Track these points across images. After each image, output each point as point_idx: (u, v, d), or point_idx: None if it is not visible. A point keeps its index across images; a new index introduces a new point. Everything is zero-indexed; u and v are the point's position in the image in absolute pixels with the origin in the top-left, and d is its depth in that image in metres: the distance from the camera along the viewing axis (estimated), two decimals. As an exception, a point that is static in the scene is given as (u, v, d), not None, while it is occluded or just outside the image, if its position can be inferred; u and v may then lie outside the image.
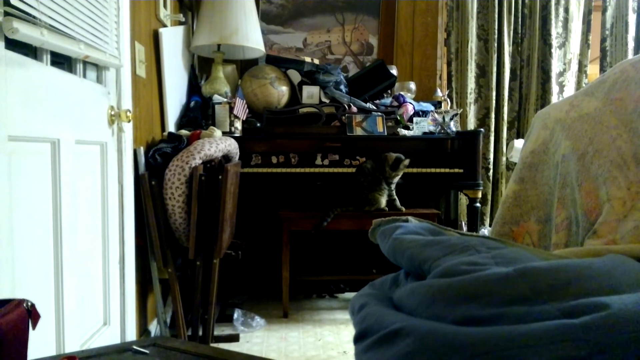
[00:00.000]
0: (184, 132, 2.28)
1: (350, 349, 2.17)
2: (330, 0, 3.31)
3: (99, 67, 1.65)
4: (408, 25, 3.37)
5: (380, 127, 2.70)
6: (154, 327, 2.17)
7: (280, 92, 2.87)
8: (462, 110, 3.26)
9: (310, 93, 2.90)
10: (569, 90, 3.43)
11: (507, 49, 3.34)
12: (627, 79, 1.02)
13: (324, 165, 2.63)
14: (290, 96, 2.94)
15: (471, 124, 3.35)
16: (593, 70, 3.84)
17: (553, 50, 3.36)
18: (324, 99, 2.89)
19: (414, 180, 2.63)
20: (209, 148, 2.00)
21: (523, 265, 0.61)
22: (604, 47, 3.45)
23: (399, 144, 2.69)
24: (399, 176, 2.47)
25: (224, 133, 2.48)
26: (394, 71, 3.11)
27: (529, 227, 1.11)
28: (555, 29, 3.37)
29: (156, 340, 0.95)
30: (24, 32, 1.07)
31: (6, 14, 1.05)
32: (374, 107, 2.86)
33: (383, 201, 2.47)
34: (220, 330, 2.34)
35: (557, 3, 3.37)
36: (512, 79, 3.40)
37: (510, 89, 3.40)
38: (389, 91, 3.12)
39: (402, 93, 3.03)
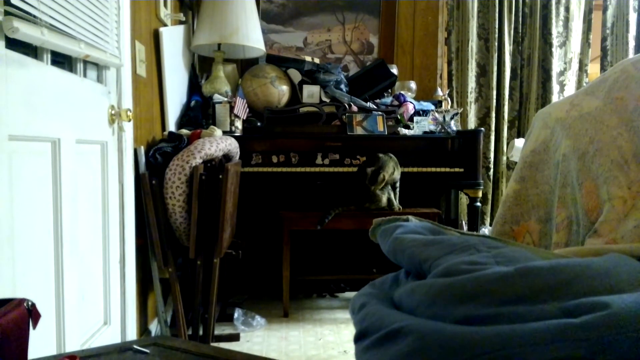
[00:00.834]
0: (184, 131, 2.28)
1: (351, 348, 2.17)
2: (331, -1, 3.31)
3: (99, 67, 1.65)
4: (408, 24, 3.36)
5: (381, 127, 2.70)
6: (154, 327, 2.17)
7: (281, 92, 2.87)
8: (462, 109, 3.26)
9: (311, 92, 2.90)
10: (570, 89, 3.43)
11: (508, 48, 3.34)
12: (627, 78, 1.02)
13: (325, 164, 2.63)
14: (291, 95, 2.94)
15: (472, 123, 3.35)
16: (594, 69, 3.84)
17: (554, 49, 3.35)
18: (324, 99, 2.89)
19: (415, 179, 2.63)
20: (209, 147, 2.00)
21: (524, 265, 0.61)
22: (605, 46, 3.44)
23: (400, 144, 2.69)
24: (383, 185, 2.44)
25: (225, 132, 2.48)
26: (395, 70, 3.11)
27: (530, 226, 1.11)
28: (556, 28, 3.37)
29: (157, 340, 0.95)
30: (25, 31, 1.07)
31: (6, 13, 1.05)
32: (375, 107, 2.86)
33: (384, 199, 2.47)
34: (220, 330, 2.34)
35: (558, 2, 3.36)
36: (512, 78, 3.40)
37: (511, 88, 3.40)
38: (390, 90, 3.12)
39: (402, 92, 3.03)
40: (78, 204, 1.42)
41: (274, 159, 2.62)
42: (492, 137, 3.35)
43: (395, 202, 2.50)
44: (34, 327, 0.79)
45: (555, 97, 3.39)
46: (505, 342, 0.51)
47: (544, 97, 3.40)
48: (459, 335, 0.54)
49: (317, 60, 3.12)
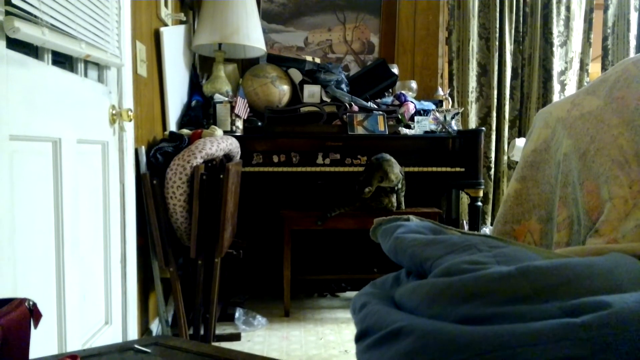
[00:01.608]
0: (185, 131, 2.28)
1: (352, 347, 2.17)
2: (331, -1, 3.31)
3: (100, 67, 1.65)
4: (409, 24, 3.36)
5: (382, 126, 2.70)
6: (155, 326, 2.18)
7: (282, 91, 2.87)
8: (463, 109, 3.25)
9: (312, 92, 2.90)
10: (571, 88, 3.43)
11: (509, 47, 3.33)
12: (628, 78, 1.01)
13: (325, 164, 2.63)
14: (292, 95, 2.93)
15: (472, 123, 3.34)
16: (595, 68, 3.83)
17: (554, 48, 3.35)
18: (325, 98, 2.89)
19: (416, 179, 2.62)
20: (210, 147, 2.00)
21: (524, 264, 0.61)
22: (606, 45, 3.44)
23: (400, 143, 2.69)
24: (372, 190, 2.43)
25: (225, 132, 2.48)
26: (395, 70, 3.11)
27: (531, 225, 1.11)
28: (557, 28, 3.37)
29: (158, 339, 0.95)
30: (26, 31, 1.07)
31: (7, 13, 1.05)
32: (375, 106, 2.86)
33: (386, 201, 2.46)
34: (221, 329, 2.34)
35: (559, 1, 3.36)
36: (513, 78, 3.40)
37: (512, 88, 3.39)
38: (390, 90, 3.12)
39: (403, 92, 3.02)
40: (79, 204, 1.42)
41: (275, 159, 2.62)
42: (493, 137, 3.35)
43: (394, 203, 2.49)
44: (35, 327, 0.79)
45: (556, 97, 3.39)
46: (506, 342, 0.51)
47: (545, 97, 3.39)
48: (459, 335, 0.54)
49: (317, 60, 3.11)
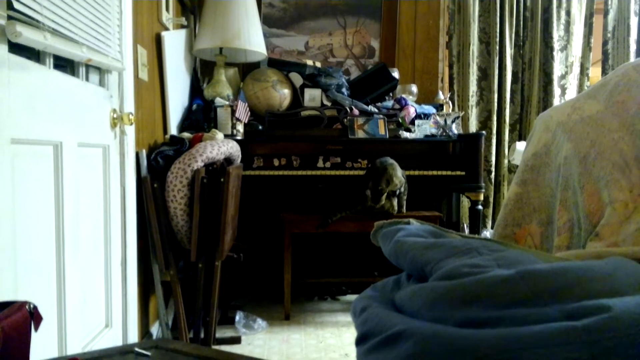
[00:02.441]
0: (186, 134, 2.28)
1: (352, 351, 2.17)
2: (332, 3, 3.32)
3: (101, 71, 1.66)
4: (410, 28, 3.37)
5: (382, 130, 2.71)
6: (155, 330, 2.17)
7: (282, 95, 2.87)
8: (463, 112, 3.26)
9: (312, 96, 2.90)
10: (571, 93, 3.43)
11: (509, 51, 3.34)
12: (629, 82, 1.02)
13: (326, 167, 2.63)
14: (292, 99, 2.94)
15: (473, 127, 3.35)
16: (595, 73, 3.84)
17: (555, 53, 3.36)
18: (325, 102, 2.89)
19: (416, 182, 2.62)
20: (210, 151, 2.01)
21: (525, 268, 0.61)
22: (606, 49, 3.45)
23: (401, 147, 2.69)
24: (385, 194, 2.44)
25: (226, 136, 2.49)
26: (396, 74, 3.11)
27: (531, 229, 1.11)
28: (557, 32, 3.38)
29: (158, 343, 0.95)
30: (27, 35, 1.07)
31: (9, 17, 1.05)
32: (376, 110, 2.87)
33: (388, 204, 2.46)
34: (222, 333, 2.34)
35: (559, 6, 3.37)
36: (513, 82, 3.40)
37: (512, 92, 3.40)
38: (391, 94, 3.13)
39: (403, 96, 3.03)
40: (80, 207, 1.42)
41: (276, 162, 2.62)
42: (494, 140, 3.35)
43: (395, 207, 2.48)
44: (36, 330, 0.79)
45: (556, 101, 3.39)
46: (507, 345, 0.51)
47: (545, 101, 3.40)
48: (460, 339, 0.54)
49: (318, 64, 3.12)
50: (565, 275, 0.59)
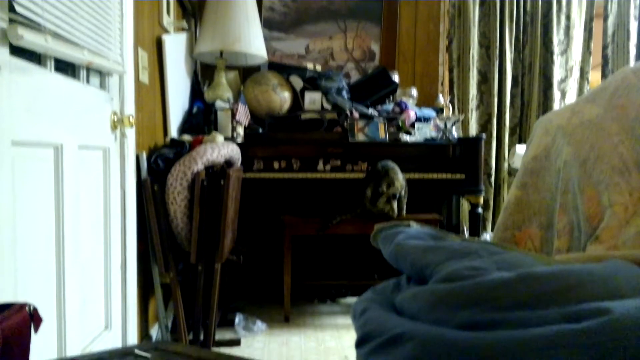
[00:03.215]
0: (186, 137, 2.28)
1: (352, 353, 2.16)
2: (333, 7, 3.33)
3: (102, 74, 1.66)
4: (410, 32, 3.38)
5: (382, 133, 2.71)
6: (155, 332, 2.17)
7: (283, 98, 2.88)
8: (463, 116, 3.26)
9: (313, 99, 2.91)
10: (571, 97, 3.44)
11: (509, 55, 3.35)
12: (628, 86, 1.02)
13: (326, 170, 2.63)
14: (293, 102, 2.95)
15: (473, 130, 3.35)
16: (594, 77, 3.84)
17: (555, 57, 3.36)
18: (326, 105, 2.90)
19: (416, 185, 2.63)
20: (211, 153, 2.01)
21: (525, 271, 0.61)
22: (606, 54, 3.45)
23: (401, 150, 2.70)
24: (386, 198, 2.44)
25: (226, 138, 2.49)
26: (396, 77, 3.12)
27: (531, 232, 1.11)
28: (557, 36, 3.38)
29: (158, 345, 0.95)
30: (29, 38, 1.08)
31: (11, 20, 1.06)
32: (376, 113, 2.87)
33: (387, 208, 2.46)
34: (221, 335, 2.33)
35: (559, 10, 3.38)
36: (513, 86, 3.41)
37: (512, 96, 3.40)
38: (391, 97, 3.13)
39: (404, 99, 3.03)
40: (80, 209, 1.43)
41: (276, 165, 2.62)
42: (494, 144, 3.35)
43: (395, 210, 2.48)
44: (36, 332, 0.79)
45: (556, 105, 3.39)
46: (507, 348, 0.51)
47: (545, 105, 3.40)
48: (460, 341, 0.54)
49: (318, 68, 3.13)
50: (565, 278, 0.59)
